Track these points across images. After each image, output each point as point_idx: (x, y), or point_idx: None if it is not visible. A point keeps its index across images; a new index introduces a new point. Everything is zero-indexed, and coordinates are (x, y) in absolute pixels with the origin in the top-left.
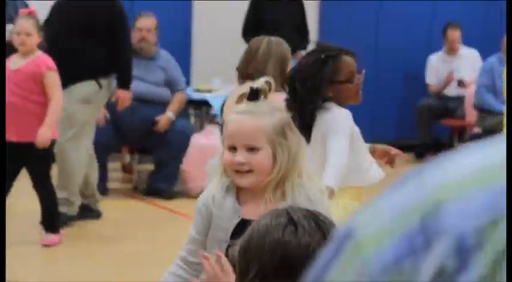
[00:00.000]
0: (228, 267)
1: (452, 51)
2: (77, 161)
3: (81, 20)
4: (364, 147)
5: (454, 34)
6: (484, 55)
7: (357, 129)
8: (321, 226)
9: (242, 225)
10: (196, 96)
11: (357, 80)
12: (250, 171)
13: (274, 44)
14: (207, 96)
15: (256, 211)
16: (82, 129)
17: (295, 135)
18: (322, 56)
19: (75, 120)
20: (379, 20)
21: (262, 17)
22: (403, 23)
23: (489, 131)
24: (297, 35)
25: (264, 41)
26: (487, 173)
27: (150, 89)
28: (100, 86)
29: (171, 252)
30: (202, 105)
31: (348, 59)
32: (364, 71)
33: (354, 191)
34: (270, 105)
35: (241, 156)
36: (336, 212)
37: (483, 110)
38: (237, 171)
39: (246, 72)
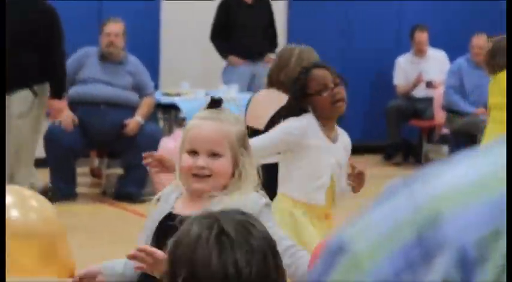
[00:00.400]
0: (159, 255)
1: (420, 52)
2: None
3: (13, 24)
4: (326, 167)
5: (422, 36)
6: (451, 56)
7: (316, 143)
8: (251, 238)
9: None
10: (165, 100)
11: (331, 92)
12: (209, 176)
13: (306, 52)
14: (176, 100)
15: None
16: (22, 147)
17: (251, 150)
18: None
19: (14, 138)
20: (348, 22)
21: (230, 20)
22: (371, 25)
23: (457, 132)
24: (266, 38)
25: (296, 49)
26: (484, 183)
27: (118, 93)
28: (35, 94)
29: None
30: (171, 109)
31: (318, 72)
32: (342, 85)
33: (291, 201)
34: (233, 115)
35: (202, 161)
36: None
37: (451, 111)
38: (196, 175)
39: (277, 79)
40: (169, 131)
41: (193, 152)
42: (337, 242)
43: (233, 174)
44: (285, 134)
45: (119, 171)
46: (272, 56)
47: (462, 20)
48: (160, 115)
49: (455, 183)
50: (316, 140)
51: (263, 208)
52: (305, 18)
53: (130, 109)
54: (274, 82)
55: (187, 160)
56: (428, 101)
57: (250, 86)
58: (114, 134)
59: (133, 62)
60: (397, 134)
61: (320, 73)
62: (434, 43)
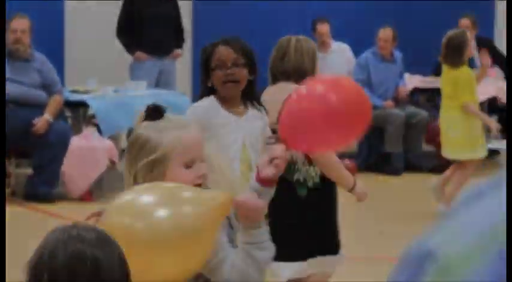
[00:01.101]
0: None
1: (323, 46)
2: None
3: None
4: (235, 141)
5: (323, 27)
6: (356, 50)
7: (222, 122)
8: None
9: None
10: (73, 97)
11: (225, 71)
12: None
13: (303, 40)
14: (85, 97)
15: None
16: None
17: None
18: None
19: None
20: (250, 19)
21: (136, 15)
22: (274, 22)
23: None
24: (172, 33)
25: (293, 38)
26: None
27: (25, 91)
28: None
29: None
30: (79, 107)
31: (221, 49)
32: (230, 69)
33: None
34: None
35: (204, 168)
36: None
37: None
38: (199, 185)
39: (281, 69)
40: (78, 129)
41: (191, 164)
42: (423, 249)
43: None
44: (198, 117)
45: (28, 170)
46: (179, 51)
47: (366, 13)
48: (68, 113)
49: None
50: (221, 119)
51: None
52: (210, 15)
53: (39, 107)
54: (278, 74)
55: (187, 175)
56: None
57: (158, 82)
58: (23, 133)
59: (40, 59)
60: None
61: (221, 49)
62: (338, 37)
